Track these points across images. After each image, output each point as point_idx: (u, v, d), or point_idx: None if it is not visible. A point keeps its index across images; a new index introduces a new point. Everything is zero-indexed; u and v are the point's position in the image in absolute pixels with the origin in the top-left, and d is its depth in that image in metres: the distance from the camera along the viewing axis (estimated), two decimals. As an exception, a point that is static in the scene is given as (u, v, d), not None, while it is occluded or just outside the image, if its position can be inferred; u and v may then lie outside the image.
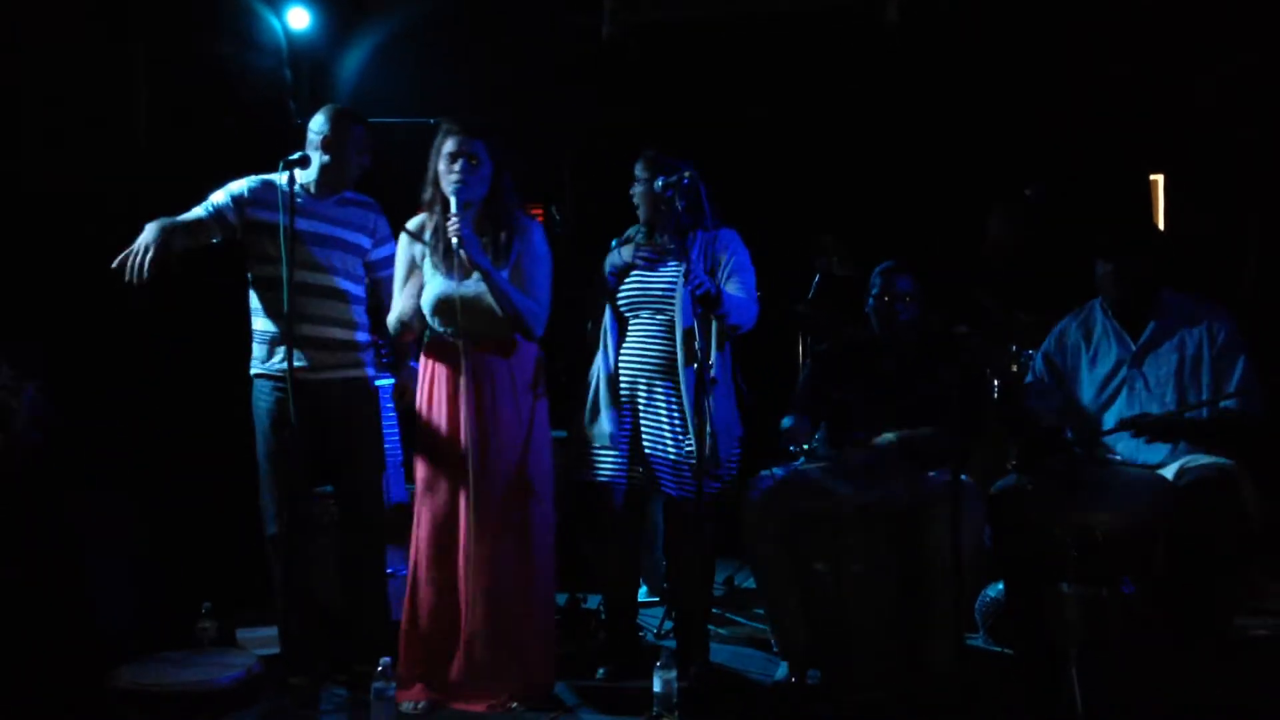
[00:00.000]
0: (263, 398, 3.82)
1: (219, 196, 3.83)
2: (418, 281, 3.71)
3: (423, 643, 3.68)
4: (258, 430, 3.83)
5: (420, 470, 3.74)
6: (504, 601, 3.62)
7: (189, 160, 4.79)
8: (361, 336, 3.91)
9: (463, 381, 3.63)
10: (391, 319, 3.76)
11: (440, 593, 3.66)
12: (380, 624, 3.92)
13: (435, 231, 3.67)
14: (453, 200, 3.52)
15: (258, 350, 3.86)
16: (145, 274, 3.49)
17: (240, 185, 3.85)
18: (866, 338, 4.21)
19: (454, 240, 3.50)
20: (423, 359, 3.78)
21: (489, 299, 3.58)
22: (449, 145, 3.59)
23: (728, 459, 3.87)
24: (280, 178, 3.75)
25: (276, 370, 3.75)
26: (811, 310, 5.07)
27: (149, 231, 3.59)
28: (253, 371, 3.86)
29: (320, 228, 3.83)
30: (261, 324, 3.85)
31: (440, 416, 3.68)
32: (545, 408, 3.77)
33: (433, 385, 3.72)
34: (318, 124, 3.87)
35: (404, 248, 3.76)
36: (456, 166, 3.56)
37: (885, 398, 4.03)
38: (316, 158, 3.86)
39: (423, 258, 3.72)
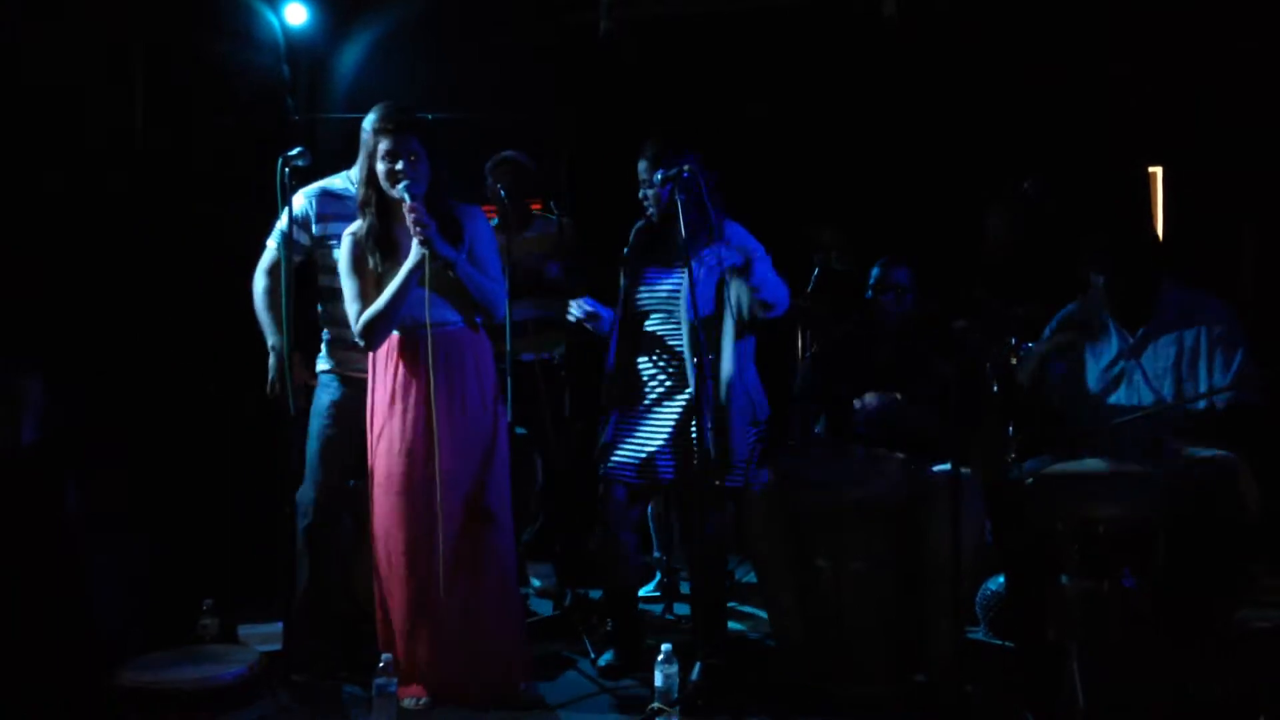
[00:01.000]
0: (326, 391, 3.88)
1: (284, 223, 3.82)
2: (372, 282, 3.60)
3: (410, 643, 3.64)
4: (315, 423, 3.87)
5: (381, 463, 3.63)
6: (476, 605, 3.61)
7: (187, 158, 4.79)
8: None
9: (430, 367, 3.54)
10: (357, 326, 3.58)
11: (422, 587, 3.59)
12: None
13: (370, 233, 3.60)
14: (406, 198, 3.48)
15: (325, 349, 3.94)
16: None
17: (300, 206, 3.84)
18: (863, 330, 4.21)
19: (417, 237, 3.46)
20: (378, 354, 3.67)
21: (450, 284, 3.56)
22: (385, 144, 3.51)
23: (742, 452, 3.83)
24: (335, 181, 3.89)
25: (340, 370, 3.86)
26: (811, 304, 5.07)
27: (272, 364, 3.86)
28: (320, 368, 3.94)
29: None
30: (327, 331, 3.93)
31: (401, 407, 3.60)
32: (505, 425, 3.77)
33: (395, 376, 3.62)
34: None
35: (351, 251, 3.62)
36: (399, 166, 3.50)
37: (880, 389, 4.03)
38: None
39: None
